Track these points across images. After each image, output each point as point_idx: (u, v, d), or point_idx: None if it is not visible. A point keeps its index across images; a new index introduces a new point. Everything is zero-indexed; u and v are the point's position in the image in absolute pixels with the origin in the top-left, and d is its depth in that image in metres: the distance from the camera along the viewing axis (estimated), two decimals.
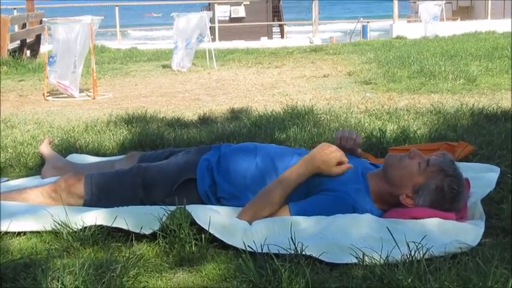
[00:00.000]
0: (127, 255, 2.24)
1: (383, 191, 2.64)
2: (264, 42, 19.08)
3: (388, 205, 2.64)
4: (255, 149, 2.89)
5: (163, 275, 2.17)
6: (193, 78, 9.32)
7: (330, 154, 2.65)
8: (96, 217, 2.51)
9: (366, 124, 4.56)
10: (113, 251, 2.35)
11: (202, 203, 2.73)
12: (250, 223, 2.51)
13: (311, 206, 2.57)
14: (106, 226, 2.48)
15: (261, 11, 25.62)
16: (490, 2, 21.46)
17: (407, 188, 2.59)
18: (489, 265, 1.98)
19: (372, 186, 2.67)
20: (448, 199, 2.55)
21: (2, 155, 3.92)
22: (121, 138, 4.32)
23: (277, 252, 2.20)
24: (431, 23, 16.56)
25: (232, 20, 24.95)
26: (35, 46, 13.05)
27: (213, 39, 17.49)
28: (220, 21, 22.15)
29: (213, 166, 2.82)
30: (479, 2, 24.80)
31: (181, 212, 2.40)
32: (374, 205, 2.63)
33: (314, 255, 2.20)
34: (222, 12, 24.31)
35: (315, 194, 2.63)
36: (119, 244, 2.43)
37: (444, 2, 20.96)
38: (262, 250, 2.22)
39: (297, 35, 25.67)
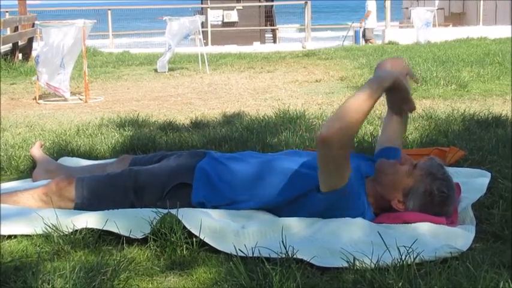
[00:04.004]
0: (118, 258, 2.24)
1: (377, 196, 2.65)
2: (256, 47, 19.07)
3: (381, 209, 2.65)
4: (252, 155, 2.89)
5: (154, 278, 2.17)
6: (185, 82, 9.32)
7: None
8: (87, 220, 2.50)
9: None
10: (103, 254, 2.34)
11: (194, 207, 2.72)
12: (331, 140, 2.36)
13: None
14: (97, 229, 2.48)
15: (254, 16, 25.63)
16: (482, 8, 21.57)
17: (398, 192, 2.60)
18: (479, 270, 1.99)
19: (368, 190, 2.68)
20: (438, 202, 2.56)
21: None
22: (113, 142, 4.32)
23: (268, 256, 2.20)
24: (423, 29, 16.61)
25: (225, 24, 24.95)
26: (27, 49, 13.02)
27: (206, 44, 17.53)
28: (212, 26, 22.15)
29: (210, 174, 2.77)
30: (471, 8, 24.93)
31: (172, 216, 2.40)
32: (371, 208, 2.63)
33: (305, 259, 2.20)
34: (214, 16, 24.30)
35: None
36: (110, 247, 2.42)
37: (436, 8, 21.09)
38: (253, 254, 2.22)
39: (289, 40, 25.63)
